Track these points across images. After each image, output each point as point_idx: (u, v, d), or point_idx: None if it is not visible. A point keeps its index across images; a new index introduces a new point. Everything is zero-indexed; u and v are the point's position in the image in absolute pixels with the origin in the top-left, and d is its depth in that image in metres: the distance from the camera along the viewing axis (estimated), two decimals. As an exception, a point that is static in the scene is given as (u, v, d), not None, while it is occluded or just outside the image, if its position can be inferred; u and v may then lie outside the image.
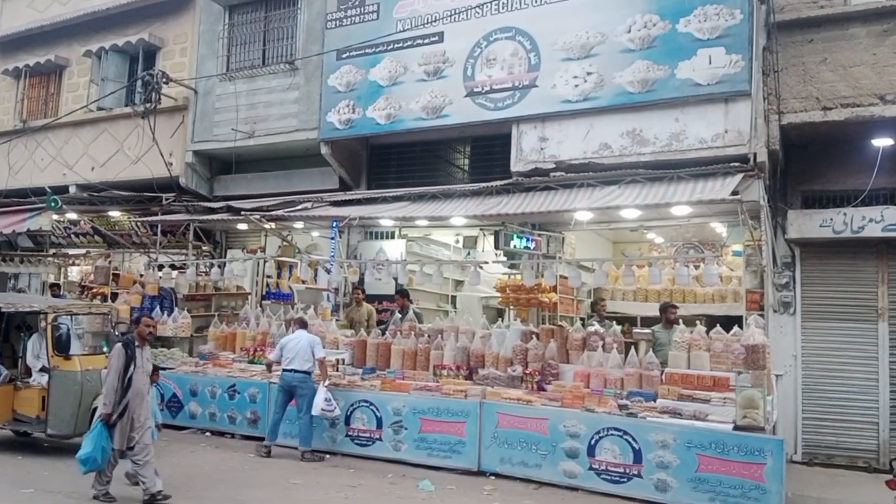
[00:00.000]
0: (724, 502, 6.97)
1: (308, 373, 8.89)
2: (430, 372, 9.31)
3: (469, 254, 12.35)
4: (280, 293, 13.52)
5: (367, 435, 8.85)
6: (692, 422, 7.36)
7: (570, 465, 7.74)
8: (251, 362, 10.66)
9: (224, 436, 10.02)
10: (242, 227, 12.97)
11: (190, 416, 10.16)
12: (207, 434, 10.05)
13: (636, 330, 9.48)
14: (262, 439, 9.32)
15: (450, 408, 8.46)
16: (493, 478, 8.06)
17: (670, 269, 10.67)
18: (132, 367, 6.73)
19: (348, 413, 9.00)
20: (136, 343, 6.89)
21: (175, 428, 10.12)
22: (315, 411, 8.63)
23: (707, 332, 8.36)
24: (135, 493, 6.85)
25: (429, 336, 9.73)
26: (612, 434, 7.56)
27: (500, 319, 11.17)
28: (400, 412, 8.71)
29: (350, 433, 8.97)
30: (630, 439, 7.46)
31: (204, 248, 13.88)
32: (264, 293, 13.50)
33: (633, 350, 8.61)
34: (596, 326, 9.22)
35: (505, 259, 10.76)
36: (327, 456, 8.90)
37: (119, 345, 6.89)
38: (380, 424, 8.82)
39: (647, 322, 10.47)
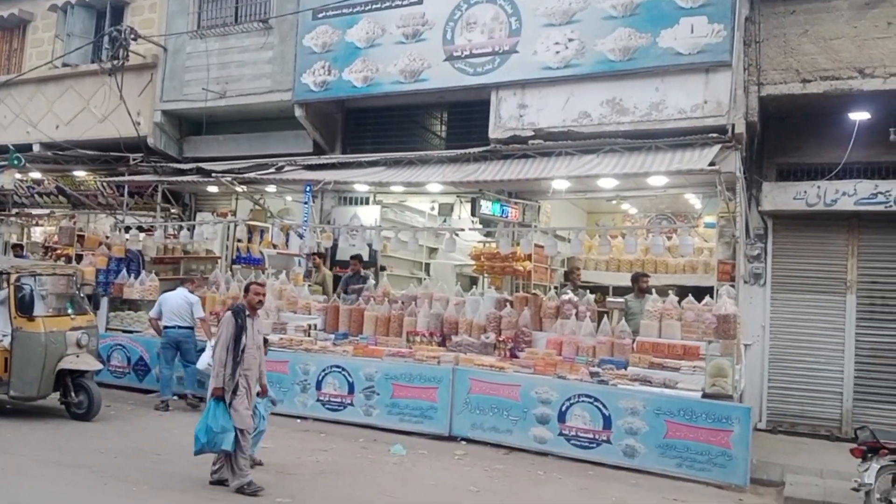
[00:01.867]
0: (690, 468, 7.08)
1: (191, 328, 9.49)
2: (403, 338, 9.26)
3: (444, 221, 12.24)
4: (251, 258, 13.31)
5: (339, 400, 8.79)
6: (662, 389, 7.43)
7: (541, 430, 7.79)
8: (221, 326, 10.51)
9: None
10: (213, 189, 12.68)
11: (157, 380, 9.99)
12: (175, 398, 9.91)
13: (609, 299, 9.51)
14: None
15: (422, 374, 8.43)
16: (464, 443, 8.08)
17: (644, 240, 10.71)
18: (244, 337, 6.04)
19: (319, 378, 8.92)
20: (247, 313, 6.18)
21: (142, 391, 9.97)
22: (201, 366, 8.93)
23: (678, 303, 8.42)
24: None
25: (402, 303, 9.66)
26: (582, 401, 7.61)
27: (473, 287, 11.11)
28: (372, 378, 8.66)
29: (321, 398, 8.90)
30: (600, 406, 7.52)
31: (173, 210, 13.56)
32: (235, 257, 13.28)
33: (605, 319, 8.64)
34: (570, 295, 9.22)
35: (480, 227, 10.68)
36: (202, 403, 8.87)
37: (228, 313, 6.22)
38: (351, 390, 8.77)
39: (620, 292, 10.53)
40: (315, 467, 6.98)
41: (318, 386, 8.94)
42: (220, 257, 13.16)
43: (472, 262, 11.40)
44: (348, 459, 7.21)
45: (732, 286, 8.35)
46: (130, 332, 10.79)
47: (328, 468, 6.95)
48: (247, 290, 6.44)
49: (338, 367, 8.85)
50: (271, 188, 12.22)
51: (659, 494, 6.67)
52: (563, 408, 7.70)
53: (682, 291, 9.07)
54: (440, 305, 9.38)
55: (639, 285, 9.14)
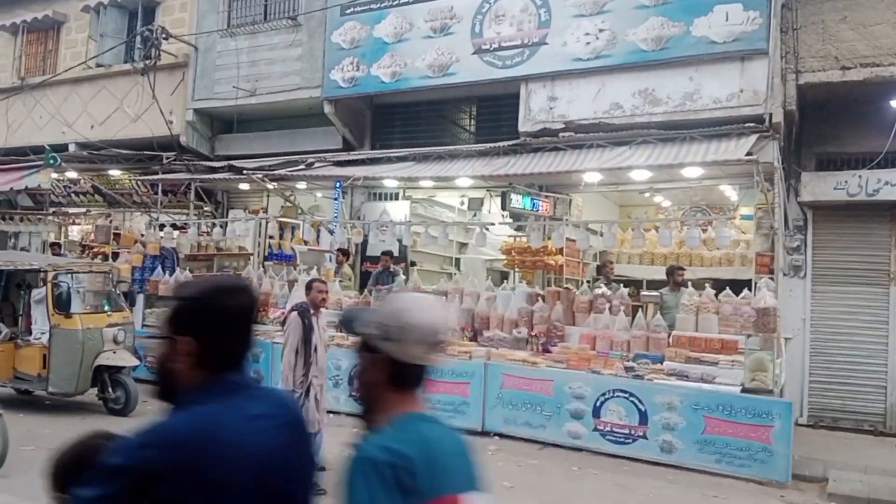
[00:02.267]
0: (730, 464, 6.95)
1: None
2: (434, 333, 9.24)
3: (475, 215, 12.16)
4: (283, 254, 13.38)
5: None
6: (699, 384, 7.29)
7: (575, 426, 7.72)
8: (254, 323, 10.58)
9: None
10: (244, 186, 12.77)
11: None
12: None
13: (644, 292, 9.36)
14: None
15: (454, 369, 8.39)
16: (497, 438, 8.03)
17: (678, 233, 10.52)
18: (313, 337, 5.82)
19: (351, 374, 8.92)
20: (311, 311, 5.96)
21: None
22: None
23: (715, 296, 8.26)
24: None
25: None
26: (617, 396, 7.51)
27: (504, 282, 11.05)
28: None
29: (353, 394, 8.92)
30: (636, 401, 7.42)
31: (205, 208, 13.70)
32: (267, 254, 13.37)
33: (639, 313, 8.51)
34: (603, 289, 9.11)
35: (511, 221, 10.59)
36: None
37: (294, 314, 5.93)
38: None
39: (654, 286, 10.34)
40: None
41: (350, 382, 8.97)
42: (252, 254, 13.26)
43: (503, 257, 11.31)
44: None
45: (771, 279, 8.16)
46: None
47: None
48: (309, 287, 6.21)
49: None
50: (301, 185, 12.27)
51: (698, 490, 6.55)
52: (598, 403, 7.61)
53: (719, 285, 8.90)
54: (471, 300, 9.34)
55: (674, 278, 8.98)
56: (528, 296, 9.16)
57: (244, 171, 11.49)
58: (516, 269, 11.28)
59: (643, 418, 7.39)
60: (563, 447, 7.73)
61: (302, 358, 5.79)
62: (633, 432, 7.45)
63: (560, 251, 10.32)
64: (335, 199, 11.19)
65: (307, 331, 5.82)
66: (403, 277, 10.32)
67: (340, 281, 10.79)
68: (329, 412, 8.99)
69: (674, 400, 7.24)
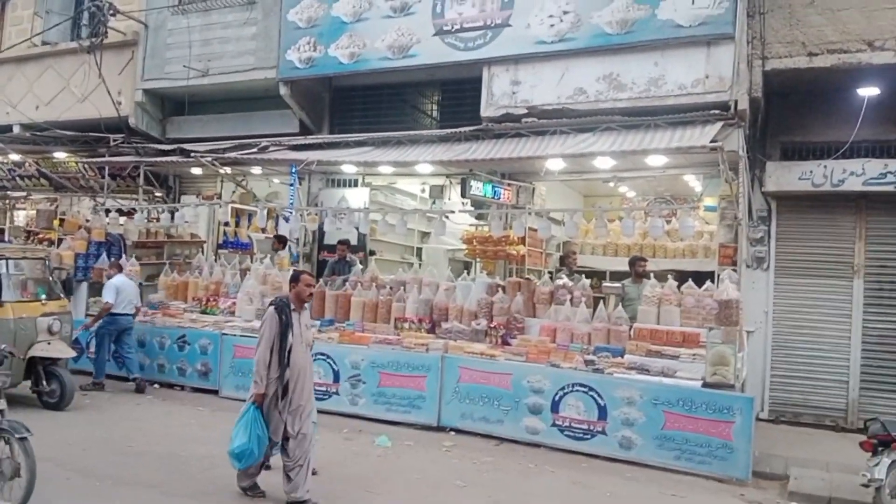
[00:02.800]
0: (689, 460, 6.75)
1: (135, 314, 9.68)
2: (390, 325, 8.90)
3: (434, 202, 11.81)
4: (238, 242, 12.94)
5: (324, 389, 8.40)
6: (660, 378, 7.08)
7: (534, 421, 7.46)
8: (203, 312, 10.15)
9: (173, 388, 9.57)
10: (196, 171, 12.25)
11: (139, 368, 9.60)
12: (156, 386, 9.56)
13: (606, 284, 9.12)
14: (214, 392, 9.13)
15: (410, 362, 8.08)
16: (452, 433, 7.75)
17: (641, 223, 10.31)
18: (290, 335, 5.40)
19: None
20: (293, 307, 5.52)
21: (121, 379, 9.59)
22: None
23: (678, 288, 8.04)
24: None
25: (391, 288, 9.29)
26: (577, 390, 7.27)
27: (465, 272, 10.74)
28: (358, 366, 8.31)
29: (305, 387, 8.55)
30: (595, 395, 7.18)
31: (156, 193, 13.16)
32: (221, 241, 12.90)
33: (601, 305, 8.26)
34: (564, 280, 8.84)
35: (472, 209, 10.25)
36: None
37: (271, 308, 5.50)
38: (337, 378, 8.41)
39: (617, 277, 10.09)
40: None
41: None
42: (205, 241, 12.78)
43: (464, 247, 11.01)
44: (329, 451, 6.84)
45: (734, 270, 7.98)
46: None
47: (307, 461, 6.60)
48: (296, 280, 5.65)
49: (323, 354, 8.47)
50: (257, 170, 11.80)
51: (656, 488, 6.33)
52: (557, 397, 7.35)
53: (682, 276, 8.71)
54: (430, 291, 9.02)
55: (636, 269, 8.76)
56: (489, 286, 8.87)
57: (195, 155, 10.97)
58: (478, 260, 11.01)
59: (602, 413, 7.15)
60: (521, 443, 7.47)
61: (276, 356, 5.38)
62: (591, 428, 7.21)
63: (522, 241, 10.05)
64: (291, 185, 10.75)
65: (284, 327, 5.39)
66: (360, 267, 9.96)
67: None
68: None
69: (633, 394, 7.01)
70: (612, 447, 7.08)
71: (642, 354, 7.44)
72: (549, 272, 10.87)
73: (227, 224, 13.10)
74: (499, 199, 10.20)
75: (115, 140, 12.35)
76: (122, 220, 11.72)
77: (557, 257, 11.71)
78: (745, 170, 8.39)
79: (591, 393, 7.20)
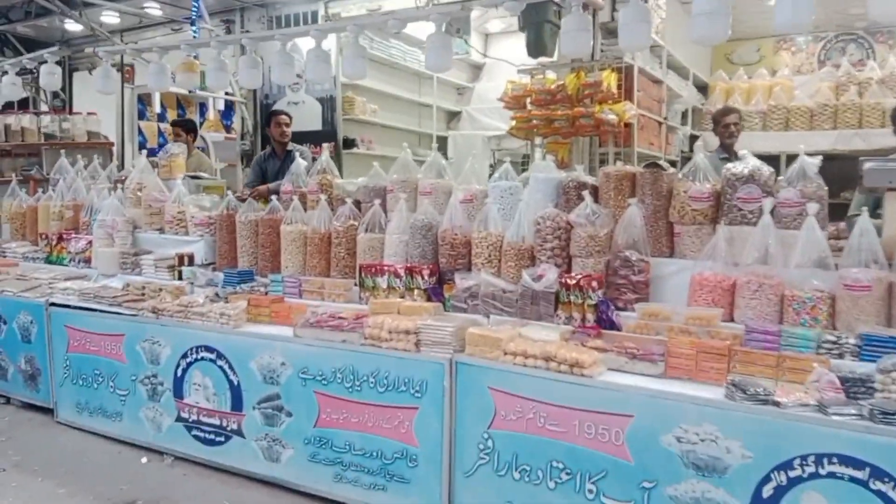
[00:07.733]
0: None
1: None
2: (352, 282, 4.22)
3: (466, 42, 6.78)
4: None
5: (215, 423, 3.90)
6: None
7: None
8: (48, 260, 5.77)
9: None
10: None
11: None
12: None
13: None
14: (47, 411, 4.77)
15: (384, 373, 3.43)
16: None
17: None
18: None
19: (178, 374, 4.03)
20: None
21: None
22: None
23: None
24: None
25: (356, 205, 4.55)
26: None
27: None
28: (276, 376, 3.69)
29: (185, 414, 4.04)
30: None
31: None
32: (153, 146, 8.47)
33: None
34: (759, 164, 3.82)
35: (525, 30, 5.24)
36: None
37: None
38: (238, 401, 3.85)
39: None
40: None
41: (179, 389, 4.07)
42: (112, 144, 8.33)
43: (511, 120, 6.01)
44: None
45: None
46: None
47: None
48: None
49: (209, 349, 3.91)
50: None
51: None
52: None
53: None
54: (431, 206, 4.24)
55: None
56: (562, 186, 4.03)
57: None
58: (538, 141, 6.06)
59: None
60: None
61: None
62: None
63: (626, 94, 5.01)
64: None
65: None
66: (305, 164, 5.09)
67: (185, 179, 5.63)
68: (146, 449, 4.15)
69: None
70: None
71: None
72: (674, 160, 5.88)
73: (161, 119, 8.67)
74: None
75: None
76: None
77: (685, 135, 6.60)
78: None
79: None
